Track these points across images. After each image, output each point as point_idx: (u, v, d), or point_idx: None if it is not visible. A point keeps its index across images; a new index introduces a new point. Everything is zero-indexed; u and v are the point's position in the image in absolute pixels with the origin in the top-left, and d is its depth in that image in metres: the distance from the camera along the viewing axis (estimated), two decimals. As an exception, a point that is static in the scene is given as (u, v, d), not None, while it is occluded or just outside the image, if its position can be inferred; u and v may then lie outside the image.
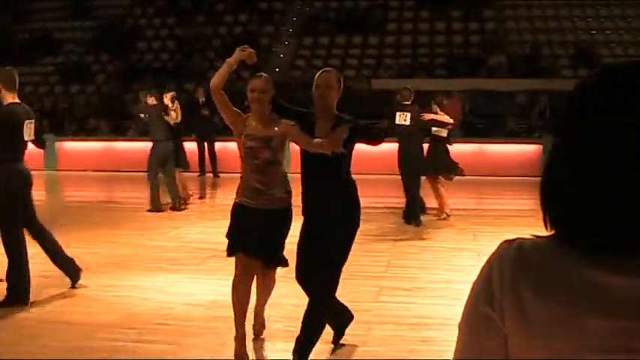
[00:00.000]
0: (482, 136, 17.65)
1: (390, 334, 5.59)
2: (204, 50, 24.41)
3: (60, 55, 25.51)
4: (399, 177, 10.78)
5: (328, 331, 5.54)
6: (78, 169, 18.41)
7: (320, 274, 4.77)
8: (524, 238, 1.17)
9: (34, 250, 7.43)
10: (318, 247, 4.73)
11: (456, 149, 11.45)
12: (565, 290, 1.08)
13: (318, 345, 5.09)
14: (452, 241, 9.17)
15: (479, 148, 17.02)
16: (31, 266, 7.67)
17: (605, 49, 21.93)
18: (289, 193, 5.12)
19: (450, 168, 10.70)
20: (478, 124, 18.91)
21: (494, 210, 12.60)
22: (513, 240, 1.17)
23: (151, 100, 12.19)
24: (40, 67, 25.10)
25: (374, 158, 16.67)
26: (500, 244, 1.19)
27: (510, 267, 1.14)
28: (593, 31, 23.33)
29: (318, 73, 5.06)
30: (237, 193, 5.11)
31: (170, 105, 12.36)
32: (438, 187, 10.80)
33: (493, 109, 18.97)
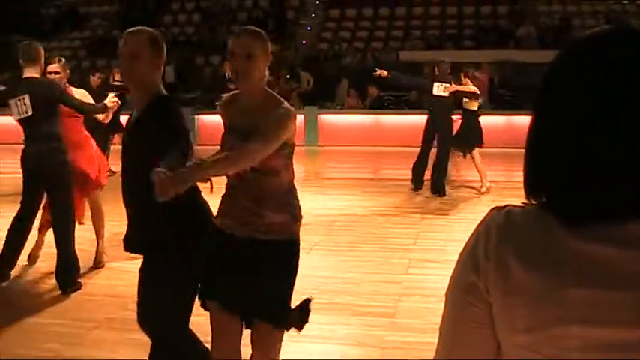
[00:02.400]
0: (511, 109, 17.47)
1: (420, 306, 5.59)
2: (230, 23, 24.37)
3: (86, 30, 25.62)
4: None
5: (359, 303, 5.57)
6: (106, 143, 18.48)
7: None
8: (513, 206, 1.15)
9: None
10: None
11: (486, 121, 11.35)
12: (550, 259, 1.06)
13: (346, 315, 5.10)
14: (481, 213, 8.99)
15: (507, 120, 16.87)
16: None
17: (636, 19, 21.56)
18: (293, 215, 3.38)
19: (468, 143, 10.65)
20: (507, 96, 18.75)
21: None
22: (503, 207, 1.16)
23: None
24: (67, 41, 25.23)
25: (400, 130, 16.61)
26: (490, 210, 1.18)
27: (497, 234, 1.13)
28: (625, 1, 22.95)
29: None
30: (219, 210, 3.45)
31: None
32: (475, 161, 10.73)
33: (522, 81, 18.76)
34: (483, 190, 10.72)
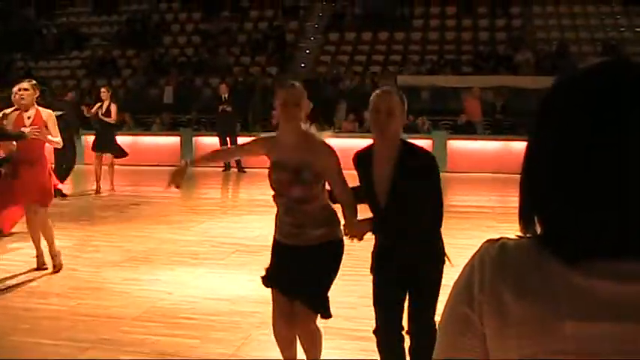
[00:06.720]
0: (508, 134, 17.51)
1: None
2: (229, 45, 24.46)
3: (86, 50, 25.70)
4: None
5: (355, 327, 5.53)
6: (103, 163, 18.46)
7: None
8: (507, 238, 1.15)
9: (61, 244, 7.53)
10: None
11: (482, 146, 11.41)
12: (545, 292, 1.05)
13: (341, 340, 5.04)
14: (476, 239, 8.93)
15: (505, 145, 16.91)
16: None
17: (633, 46, 21.66)
18: (332, 224, 4.33)
19: None
20: (505, 121, 18.80)
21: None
22: (496, 240, 1.16)
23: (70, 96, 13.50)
24: (67, 61, 25.30)
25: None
26: (483, 243, 1.17)
27: (491, 267, 1.12)
28: (622, 29, 23.08)
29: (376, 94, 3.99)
30: (275, 225, 4.42)
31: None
32: None
33: (519, 107, 18.83)
34: None
